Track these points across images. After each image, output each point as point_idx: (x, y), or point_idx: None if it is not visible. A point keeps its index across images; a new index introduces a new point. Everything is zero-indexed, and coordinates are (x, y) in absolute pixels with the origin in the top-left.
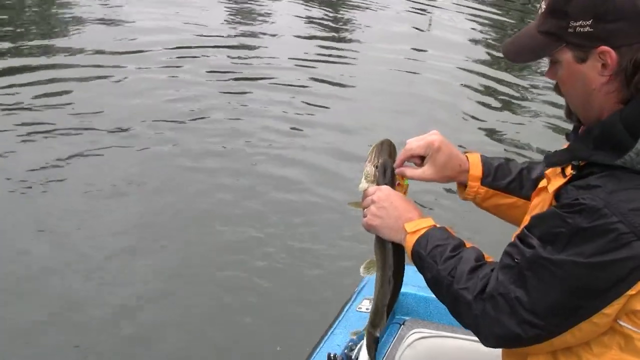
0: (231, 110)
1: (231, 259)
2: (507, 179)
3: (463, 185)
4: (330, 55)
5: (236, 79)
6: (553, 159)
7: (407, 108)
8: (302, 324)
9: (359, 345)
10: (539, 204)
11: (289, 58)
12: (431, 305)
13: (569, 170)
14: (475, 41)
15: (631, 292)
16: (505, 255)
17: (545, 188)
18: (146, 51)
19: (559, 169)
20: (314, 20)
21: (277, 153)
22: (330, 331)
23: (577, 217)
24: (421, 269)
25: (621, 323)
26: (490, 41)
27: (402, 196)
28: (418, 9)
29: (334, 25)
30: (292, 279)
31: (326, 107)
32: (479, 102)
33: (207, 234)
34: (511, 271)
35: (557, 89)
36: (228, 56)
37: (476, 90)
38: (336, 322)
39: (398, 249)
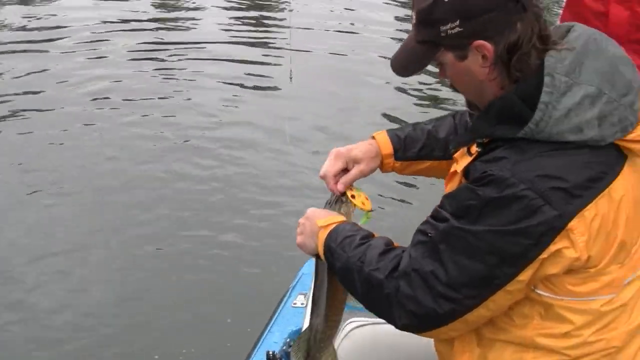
0: (152, 92)
1: (154, 255)
2: (417, 147)
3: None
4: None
5: (159, 61)
6: (459, 140)
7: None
8: (240, 320)
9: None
10: (452, 187)
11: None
12: None
13: (474, 149)
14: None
15: (544, 255)
16: (417, 233)
17: (454, 173)
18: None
19: (464, 150)
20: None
21: (204, 146)
22: (268, 329)
23: (486, 188)
24: (332, 262)
25: (539, 292)
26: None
27: (324, 210)
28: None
29: (262, 15)
30: (225, 276)
31: (249, 100)
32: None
33: (134, 228)
34: (424, 246)
35: (452, 86)
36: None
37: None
38: (273, 320)
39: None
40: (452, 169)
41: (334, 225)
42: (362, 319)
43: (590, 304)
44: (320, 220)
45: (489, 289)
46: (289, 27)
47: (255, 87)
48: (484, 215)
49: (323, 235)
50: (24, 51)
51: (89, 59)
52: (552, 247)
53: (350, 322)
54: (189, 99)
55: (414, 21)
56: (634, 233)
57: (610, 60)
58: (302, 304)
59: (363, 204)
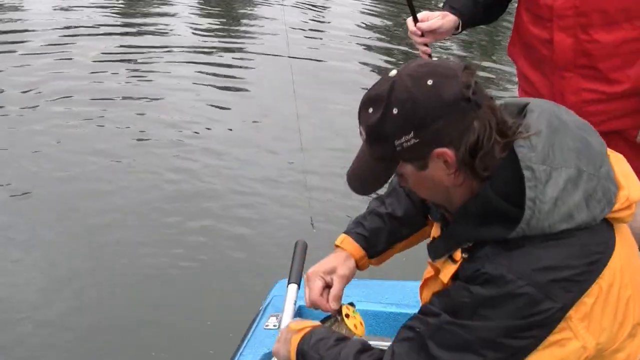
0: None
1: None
2: (383, 237)
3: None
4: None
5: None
6: (440, 252)
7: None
8: (211, 342)
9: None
10: (431, 295)
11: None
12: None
13: (458, 256)
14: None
15: (542, 347)
16: (403, 329)
17: (431, 279)
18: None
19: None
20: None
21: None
22: (240, 352)
23: (482, 288)
24: None
25: None
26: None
27: (300, 321)
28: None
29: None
30: (198, 289)
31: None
32: None
33: (107, 230)
34: (410, 342)
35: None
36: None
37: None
38: (245, 342)
39: None
40: (427, 275)
41: (308, 329)
42: None
43: None
44: (294, 324)
45: None
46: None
47: (228, 89)
48: (479, 313)
49: (296, 339)
50: None
51: (56, 60)
52: (553, 338)
53: None
54: (160, 99)
55: (364, 137)
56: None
57: (576, 133)
58: (274, 325)
59: (355, 326)
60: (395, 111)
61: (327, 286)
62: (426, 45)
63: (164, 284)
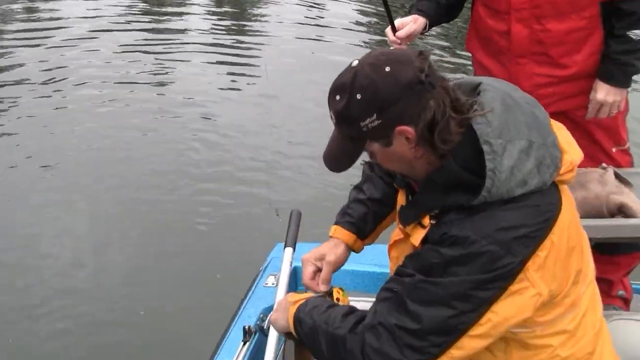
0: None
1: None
2: (370, 219)
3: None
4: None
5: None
6: (409, 219)
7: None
8: (216, 298)
9: (269, 316)
10: (400, 254)
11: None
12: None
13: (427, 221)
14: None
15: (505, 296)
16: (382, 290)
17: (400, 240)
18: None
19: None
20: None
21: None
22: (243, 306)
23: (449, 249)
24: (299, 331)
25: (512, 330)
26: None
27: (297, 293)
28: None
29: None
30: (209, 249)
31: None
32: None
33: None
34: (389, 301)
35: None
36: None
37: None
38: (247, 298)
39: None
40: (394, 237)
41: (303, 300)
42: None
43: (559, 324)
44: (294, 296)
45: (453, 334)
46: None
47: (237, 74)
48: (449, 271)
49: (293, 309)
50: (27, 44)
51: (85, 51)
52: (514, 288)
53: None
54: (177, 82)
55: (334, 121)
56: (583, 254)
57: (526, 108)
58: (272, 283)
59: None
60: (358, 97)
61: (319, 270)
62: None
63: (181, 238)
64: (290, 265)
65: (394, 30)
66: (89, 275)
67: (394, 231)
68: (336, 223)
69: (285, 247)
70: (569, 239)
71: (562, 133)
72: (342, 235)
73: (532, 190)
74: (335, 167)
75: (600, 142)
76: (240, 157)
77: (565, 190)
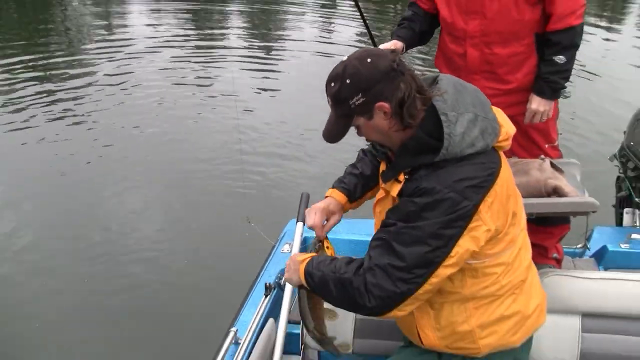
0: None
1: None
2: (359, 189)
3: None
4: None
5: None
6: (388, 175)
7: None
8: (240, 266)
9: (284, 276)
10: (383, 209)
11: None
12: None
13: (402, 177)
14: None
15: (466, 233)
16: (373, 240)
17: (382, 198)
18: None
19: (392, 180)
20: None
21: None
22: (264, 268)
23: (421, 198)
24: (311, 282)
25: (467, 262)
26: None
27: (301, 253)
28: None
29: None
30: (236, 223)
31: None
32: None
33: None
34: (380, 247)
35: (366, 139)
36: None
37: None
38: (267, 262)
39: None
40: (379, 196)
41: (309, 258)
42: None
43: (502, 257)
44: (299, 256)
45: (433, 267)
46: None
47: (268, 78)
48: (423, 216)
49: (302, 266)
50: (104, 56)
51: (147, 62)
52: (471, 225)
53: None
54: (217, 84)
55: (330, 103)
56: (517, 202)
57: (472, 91)
58: (287, 250)
59: (331, 254)
60: (348, 81)
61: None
62: None
63: (213, 212)
64: (301, 236)
65: None
66: (147, 238)
67: (378, 193)
68: (333, 187)
69: (297, 222)
70: (507, 189)
71: (499, 113)
72: (337, 195)
73: (478, 151)
74: (332, 139)
75: (536, 140)
76: (269, 140)
77: (502, 155)
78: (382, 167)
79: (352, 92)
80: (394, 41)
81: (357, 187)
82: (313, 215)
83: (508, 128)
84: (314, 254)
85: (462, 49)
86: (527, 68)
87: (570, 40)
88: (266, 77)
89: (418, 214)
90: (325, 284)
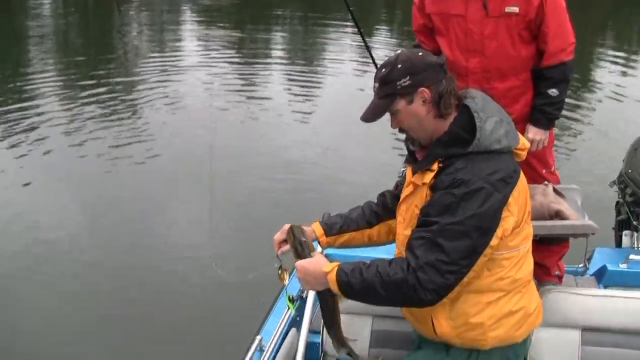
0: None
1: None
2: (337, 227)
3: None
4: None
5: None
6: (421, 164)
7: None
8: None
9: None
10: (409, 206)
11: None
12: None
13: (435, 166)
14: None
15: (501, 224)
16: (413, 239)
17: (409, 195)
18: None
19: (424, 170)
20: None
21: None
22: (289, 280)
23: (459, 189)
24: (349, 288)
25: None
26: None
27: (310, 259)
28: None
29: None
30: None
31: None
32: None
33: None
34: (425, 245)
35: (400, 129)
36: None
37: None
38: (291, 275)
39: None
40: (405, 193)
41: (336, 268)
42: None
43: (515, 252)
44: (324, 267)
45: (475, 256)
46: None
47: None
48: (462, 207)
49: (332, 276)
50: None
51: (193, 78)
52: (503, 216)
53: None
54: (257, 96)
55: (376, 84)
56: (529, 203)
57: (496, 104)
58: None
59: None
60: (399, 66)
61: (284, 241)
62: None
63: (233, 213)
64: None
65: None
66: (185, 241)
67: (403, 191)
68: (320, 221)
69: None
70: (524, 188)
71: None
72: (316, 227)
73: (503, 149)
74: (372, 117)
75: (534, 166)
76: (299, 146)
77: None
78: (410, 168)
79: (400, 75)
80: None
81: (335, 225)
82: (279, 232)
83: (524, 140)
84: (335, 263)
85: (464, 84)
86: (524, 101)
87: (562, 75)
88: (300, 93)
89: (457, 204)
90: (369, 288)
